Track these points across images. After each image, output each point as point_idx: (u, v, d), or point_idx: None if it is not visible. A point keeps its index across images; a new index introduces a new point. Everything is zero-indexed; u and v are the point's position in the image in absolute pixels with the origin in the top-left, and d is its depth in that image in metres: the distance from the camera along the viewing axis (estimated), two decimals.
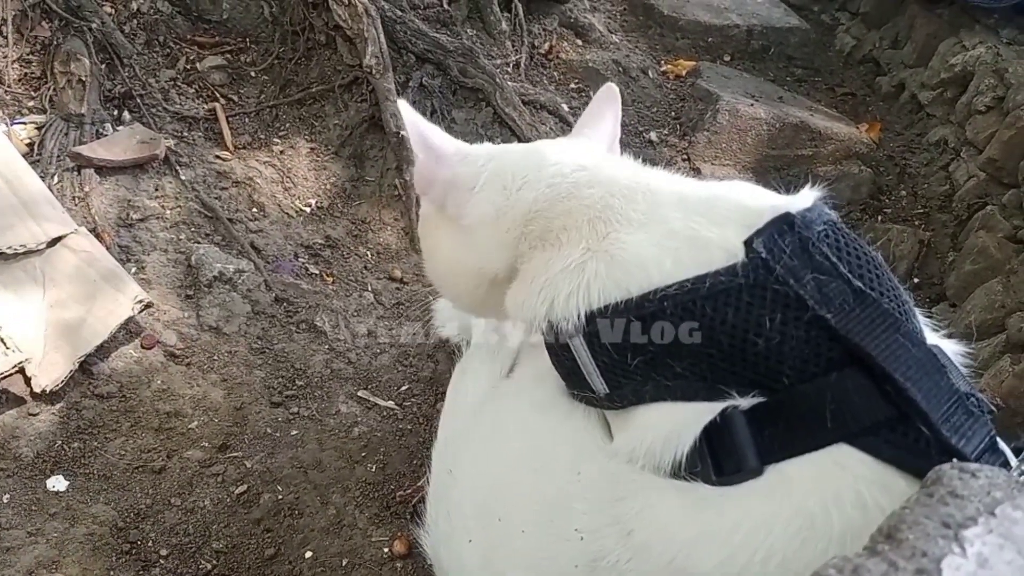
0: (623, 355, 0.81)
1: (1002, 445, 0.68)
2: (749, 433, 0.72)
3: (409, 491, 1.27)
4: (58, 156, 1.67)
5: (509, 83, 2.09)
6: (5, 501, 1.16)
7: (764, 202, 0.83)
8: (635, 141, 2.20)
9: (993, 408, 0.69)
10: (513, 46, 2.34)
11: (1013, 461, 0.67)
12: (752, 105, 2.19)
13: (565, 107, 2.20)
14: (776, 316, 0.71)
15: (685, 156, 2.19)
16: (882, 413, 0.67)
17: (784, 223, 0.76)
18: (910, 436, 0.66)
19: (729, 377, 0.74)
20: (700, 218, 0.82)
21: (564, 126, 2.16)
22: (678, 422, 0.77)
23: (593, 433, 0.91)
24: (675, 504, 0.75)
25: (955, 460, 0.62)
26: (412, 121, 1.02)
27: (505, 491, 0.93)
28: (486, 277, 1.01)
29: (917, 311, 0.78)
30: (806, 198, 0.82)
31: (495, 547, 0.91)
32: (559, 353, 0.90)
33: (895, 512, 0.58)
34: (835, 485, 0.67)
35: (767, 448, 0.71)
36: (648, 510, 0.77)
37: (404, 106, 1.05)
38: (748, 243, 0.75)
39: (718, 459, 0.73)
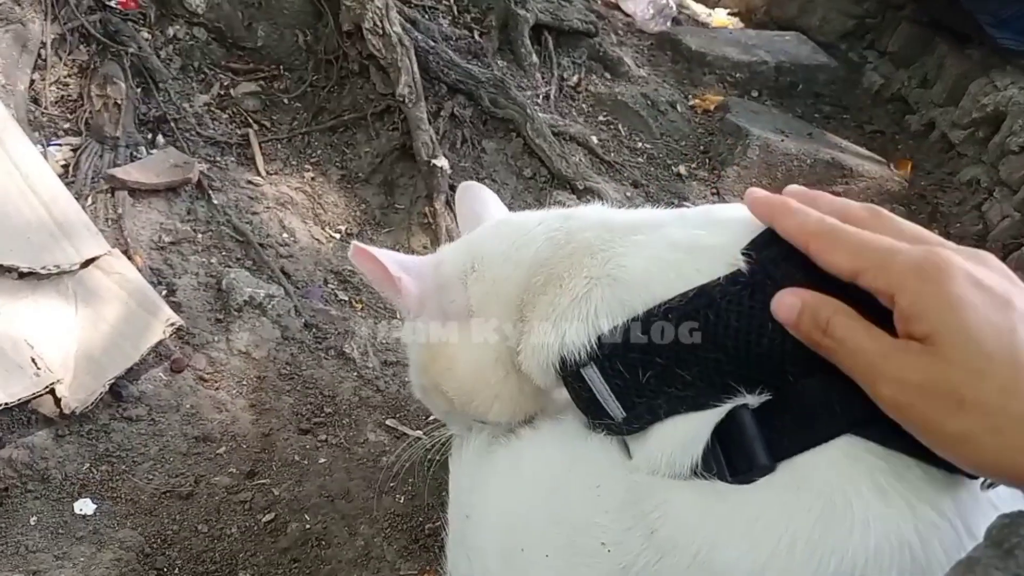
0: (634, 373, 0.82)
1: None
2: (757, 429, 0.72)
3: (438, 524, 1.24)
4: (93, 178, 1.68)
5: (540, 114, 2.10)
6: (33, 523, 1.15)
7: None
8: (664, 175, 2.20)
9: None
10: (543, 78, 2.35)
11: None
12: (783, 141, 2.19)
13: (594, 139, 2.20)
14: None
15: (714, 190, 2.18)
16: None
17: None
18: None
19: (737, 378, 0.75)
20: (700, 231, 0.83)
21: (593, 157, 2.16)
22: (692, 427, 0.77)
23: (610, 452, 0.90)
24: (692, 499, 0.75)
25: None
26: (384, 253, 0.99)
27: (525, 521, 0.92)
28: (507, 356, 0.99)
29: None
30: None
31: None
32: (575, 385, 0.90)
33: (961, 562, 0.56)
34: (850, 473, 0.67)
35: (777, 443, 0.71)
36: (666, 505, 0.77)
37: (372, 248, 1.00)
38: (748, 250, 0.76)
39: (731, 458, 0.74)
